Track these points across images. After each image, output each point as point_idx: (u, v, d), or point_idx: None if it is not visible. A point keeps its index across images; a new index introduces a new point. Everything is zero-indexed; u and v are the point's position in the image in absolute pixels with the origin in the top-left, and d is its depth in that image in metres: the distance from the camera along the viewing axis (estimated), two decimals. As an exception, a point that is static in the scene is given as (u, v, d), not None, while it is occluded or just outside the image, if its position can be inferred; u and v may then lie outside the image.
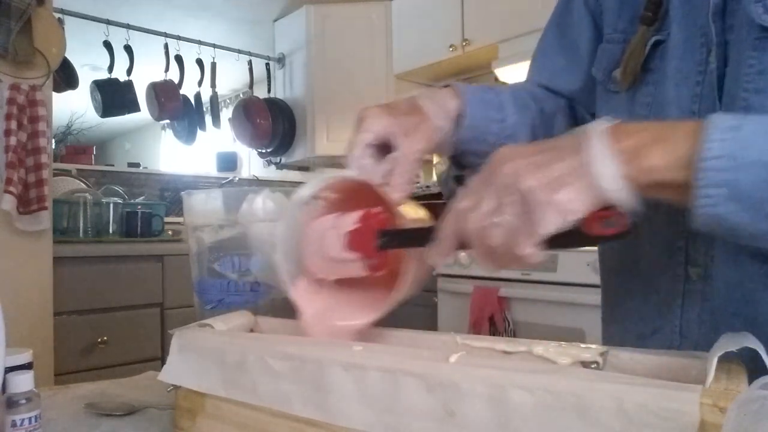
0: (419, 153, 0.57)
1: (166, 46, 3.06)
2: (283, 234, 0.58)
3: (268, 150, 3.46)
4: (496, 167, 0.44)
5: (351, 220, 0.55)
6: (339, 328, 0.55)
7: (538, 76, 0.74)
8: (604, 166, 0.40)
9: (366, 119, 0.58)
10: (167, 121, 3.27)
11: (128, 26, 2.90)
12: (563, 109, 0.71)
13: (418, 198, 3.04)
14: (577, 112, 0.72)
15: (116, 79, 2.93)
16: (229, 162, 3.69)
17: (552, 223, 0.41)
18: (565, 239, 0.42)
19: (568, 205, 0.41)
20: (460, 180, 0.69)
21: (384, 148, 0.58)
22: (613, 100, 0.63)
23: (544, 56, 0.74)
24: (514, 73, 2.60)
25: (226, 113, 4.05)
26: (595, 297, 1.73)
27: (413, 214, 0.56)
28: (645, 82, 0.59)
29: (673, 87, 0.56)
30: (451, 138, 0.62)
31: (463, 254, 2.13)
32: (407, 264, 0.52)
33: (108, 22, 2.85)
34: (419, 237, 0.50)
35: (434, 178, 2.91)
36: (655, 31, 0.58)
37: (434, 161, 3.21)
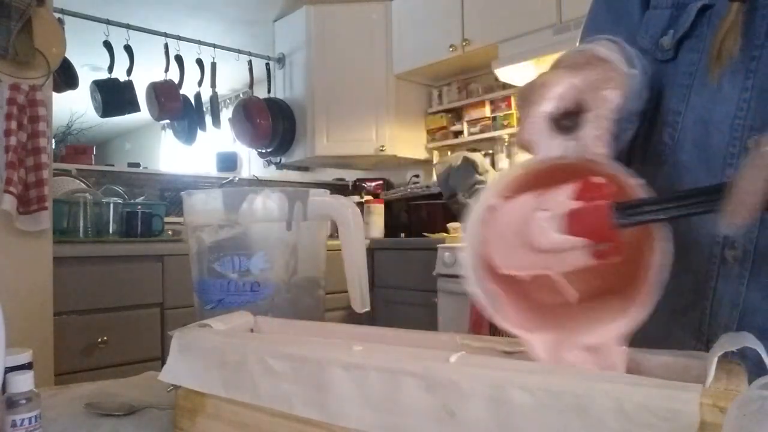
0: (613, 104, 0.47)
1: (166, 46, 3.07)
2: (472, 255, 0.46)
3: (268, 150, 3.46)
4: None
5: (563, 196, 0.43)
6: (588, 347, 0.43)
7: None
8: None
9: (548, 85, 0.46)
10: (167, 121, 3.27)
11: (128, 26, 2.91)
12: None
13: (417, 198, 3.04)
14: None
15: (116, 79, 2.94)
16: (229, 162, 3.69)
17: None
18: None
19: None
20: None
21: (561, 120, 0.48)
22: (657, 67, 0.61)
23: (598, 32, 0.68)
24: (514, 73, 2.60)
25: (226, 113, 4.05)
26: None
27: None
28: (689, 48, 0.57)
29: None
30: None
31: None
32: (649, 242, 0.41)
33: (108, 22, 2.85)
34: (689, 202, 0.39)
35: (434, 178, 2.91)
36: None
37: (434, 161, 3.21)
